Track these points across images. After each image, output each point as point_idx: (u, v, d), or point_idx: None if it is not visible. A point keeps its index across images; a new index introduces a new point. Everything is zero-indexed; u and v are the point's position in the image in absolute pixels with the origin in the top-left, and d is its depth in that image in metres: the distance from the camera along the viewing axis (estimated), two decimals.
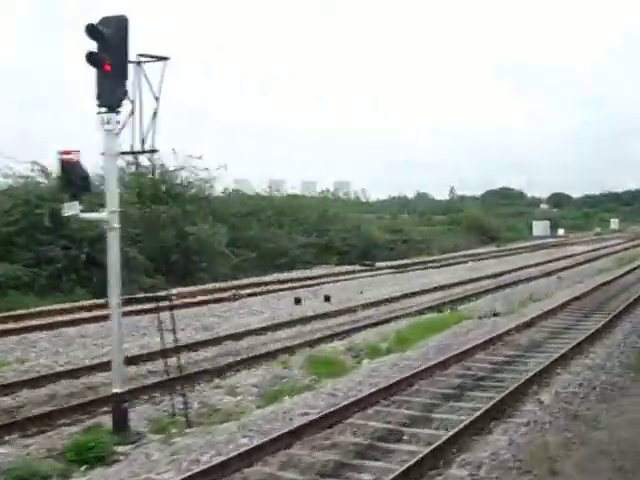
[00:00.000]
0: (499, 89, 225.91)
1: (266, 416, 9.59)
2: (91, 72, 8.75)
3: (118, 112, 8.83)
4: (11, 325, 17.55)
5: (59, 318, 18.53)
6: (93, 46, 8.66)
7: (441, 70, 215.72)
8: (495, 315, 19.66)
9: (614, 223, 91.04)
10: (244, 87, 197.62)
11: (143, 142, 8.91)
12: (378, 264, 37.73)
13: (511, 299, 23.96)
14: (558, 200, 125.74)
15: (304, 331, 17.30)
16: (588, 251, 50.22)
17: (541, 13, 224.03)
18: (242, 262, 32.04)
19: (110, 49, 8.62)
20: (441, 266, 37.61)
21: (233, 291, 24.12)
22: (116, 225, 8.86)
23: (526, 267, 36.13)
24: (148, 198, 20.53)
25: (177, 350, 10.43)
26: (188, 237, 29.32)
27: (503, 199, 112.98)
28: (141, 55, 8.91)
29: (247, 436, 8.58)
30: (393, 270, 34.55)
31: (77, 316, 18.81)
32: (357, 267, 36.15)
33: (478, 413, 9.15)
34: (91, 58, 8.56)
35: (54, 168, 23.62)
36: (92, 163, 13.27)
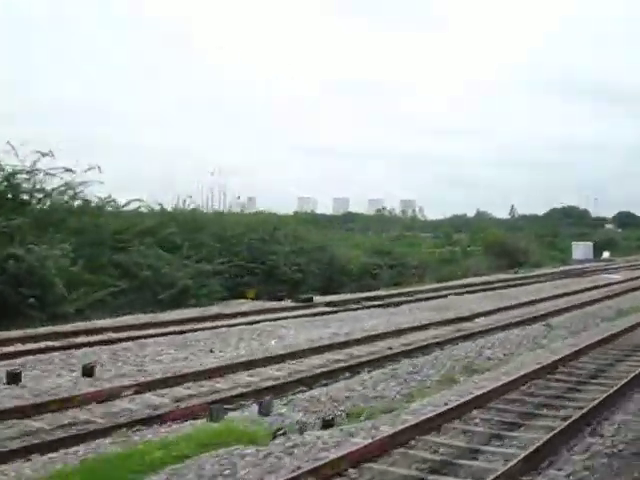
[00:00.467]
0: (561, 105, 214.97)
1: None
2: None
3: None
4: None
5: None
6: None
7: (502, 87, 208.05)
8: (328, 423, 10.12)
9: None
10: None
11: None
12: (324, 298, 28.52)
13: (428, 372, 14.55)
14: (624, 219, 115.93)
15: None
16: (624, 281, 39.91)
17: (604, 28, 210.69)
18: (109, 295, 23.32)
19: None
20: (407, 301, 28.13)
21: None
22: None
23: (518, 306, 26.47)
24: None
25: None
26: (8, 261, 20.77)
27: (567, 218, 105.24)
28: None
29: None
30: (330, 309, 25.23)
31: None
32: (288, 303, 27.02)
33: None
34: None
35: None
36: None
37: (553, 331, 20.59)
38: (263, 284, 31.39)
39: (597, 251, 72.87)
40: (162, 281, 24.58)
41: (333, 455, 8.26)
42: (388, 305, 26.76)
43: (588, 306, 26.87)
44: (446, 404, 11.14)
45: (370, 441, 8.83)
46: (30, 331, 18.56)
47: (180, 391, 12.44)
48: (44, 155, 23.19)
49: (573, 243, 68.76)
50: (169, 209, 30.81)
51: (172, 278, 24.82)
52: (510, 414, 10.85)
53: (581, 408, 10.81)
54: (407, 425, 9.54)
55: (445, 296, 30.41)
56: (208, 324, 20.06)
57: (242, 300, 27.52)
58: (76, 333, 18.09)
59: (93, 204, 25.78)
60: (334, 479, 7.78)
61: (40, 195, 24.00)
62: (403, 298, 29.13)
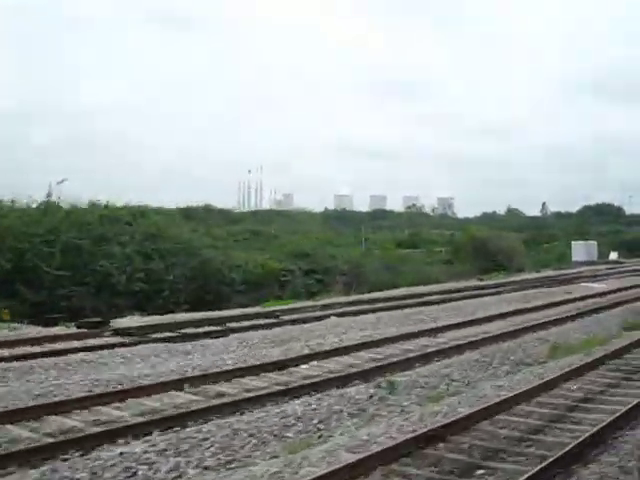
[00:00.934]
0: (591, 102, 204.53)
1: None
2: None
3: None
4: None
5: None
6: None
7: (535, 84, 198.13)
8: None
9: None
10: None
11: None
12: (133, 320, 19.98)
13: None
14: None
15: None
16: (608, 292, 30.79)
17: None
18: None
19: None
20: (251, 327, 19.37)
21: None
22: None
23: (407, 338, 17.59)
24: None
25: None
26: None
27: (599, 216, 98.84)
28: None
29: None
30: (118, 340, 16.64)
31: None
32: (67, 329, 18.43)
33: None
34: None
35: None
36: None
37: (393, 396, 11.79)
38: (93, 298, 23.00)
39: (623, 251, 64.42)
40: None
41: None
42: (215, 334, 18.04)
43: (514, 339, 17.85)
44: None
45: None
46: None
47: None
48: None
49: (573, 243, 58.92)
50: None
51: None
52: None
53: None
54: None
55: (327, 317, 21.59)
56: None
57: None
58: None
59: None
60: None
61: None
62: (248, 322, 20.29)
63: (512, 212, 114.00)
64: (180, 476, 7.98)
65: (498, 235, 49.99)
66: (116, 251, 24.15)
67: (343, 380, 12.76)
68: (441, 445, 8.45)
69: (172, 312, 22.98)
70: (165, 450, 8.60)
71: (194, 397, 11.51)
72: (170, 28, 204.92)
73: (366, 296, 28.49)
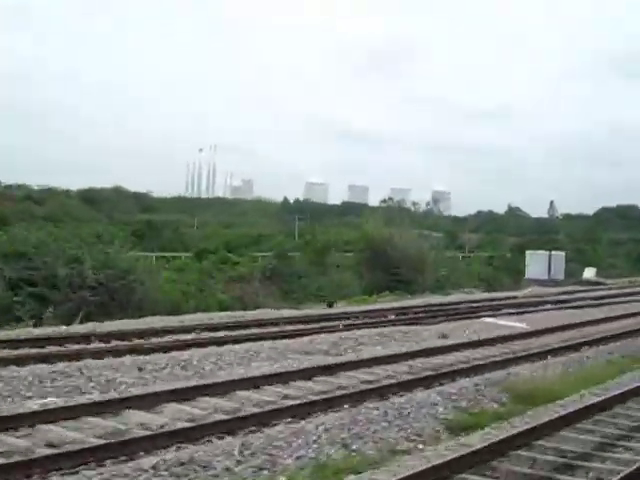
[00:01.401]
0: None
1: None
2: None
3: None
4: None
5: None
6: None
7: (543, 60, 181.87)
8: None
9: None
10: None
11: None
12: None
13: None
14: None
15: None
16: (530, 334, 17.82)
17: None
18: None
19: None
20: None
21: None
22: None
23: None
24: None
25: None
26: None
27: (621, 220, 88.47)
28: None
29: None
30: None
31: None
32: None
33: None
34: None
35: None
36: None
37: None
38: None
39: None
40: None
41: None
42: None
43: None
44: None
45: None
46: None
47: None
48: None
49: (528, 254, 44.45)
50: None
51: None
52: None
53: None
54: None
55: None
56: None
57: None
58: None
59: None
60: None
61: None
62: None
63: (513, 212, 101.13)
64: None
65: (411, 237, 36.35)
66: None
67: None
68: None
69: None
70: None
71: None
72: None
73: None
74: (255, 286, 26.67)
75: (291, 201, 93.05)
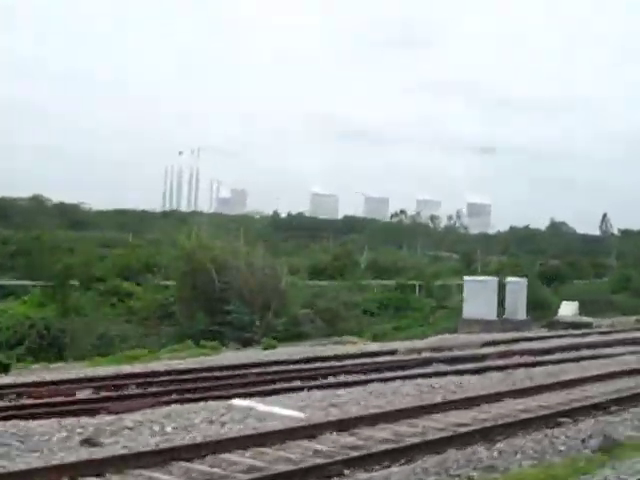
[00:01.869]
0: None
1: None
2: None
3: None
4: None
5: None
6: None
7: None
8: None
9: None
10: None
11: None
12: None
13: None
14: None
15: None
16: None
17: None
18: None
19: None
20: None
21: None
22: None
23: None
24: None
25: None
26: None
27: None
28: None
29: None
30: None
31: None
32: None
33: None
34: None
35: None
36: None
37: None
38: None
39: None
40: None
41: None
42: None
43: None
44: None
45: None
46: None
47: None
48: None
49: (466, 281, 31.95)
50: None
51: None
52: None
53: None
54: None
55: None
56: None
57: None
58: None
59: None
60: None
61: None
62: None
63: (556, 227, 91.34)
64: None
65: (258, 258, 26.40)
66: None
67: None
68: None
69: None
70: None
71: None
72: None
73: None
74: None
75: (284, 215, 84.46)
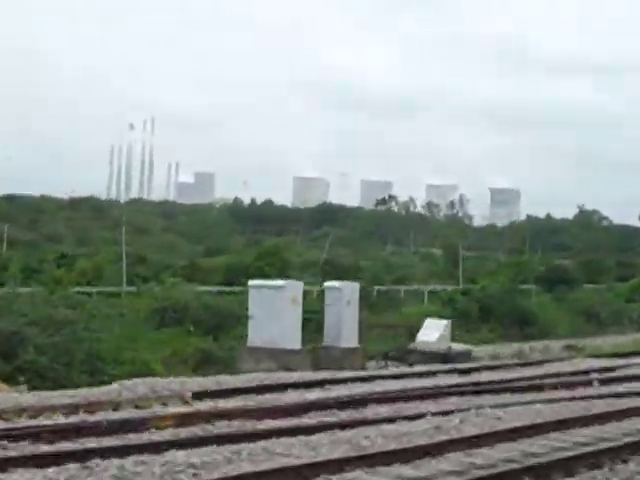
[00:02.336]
0: None
1: None
2: None
3: None
4: None
5: None
6: None
7: None
8: None
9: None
10: None
11: None
12: None
13: None
14: None
15: None
16: None
17: None
18: None
19: None
20: None
21: None
22: None
23: None
24: None
25: None
26: None
27: None
28: None
29: None
30: None
31: None
32: None
33: None
34: None
35: None
36: None
37: None
38: None
39: None
40: None
41: None
42: None
43: None
44: None
45: None
46: None
47: None
48: None
49: (251, 287, 19.83)
50: None
51: None
52: None
53: None
54: None
55: None
56: None
57: None
58: None
59: None
60: None
61: None
62: None
63: (585, 215, 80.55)
64: None
65: None
66: None
67: None
68: None
69: None
70: None
71: None
72: None
73: None
74: None
75: (247, 204, 74.93)
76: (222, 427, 10.57)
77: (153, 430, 10.09)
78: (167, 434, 9.93)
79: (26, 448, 8.70)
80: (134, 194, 75.32)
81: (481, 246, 61.44)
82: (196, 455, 8.46)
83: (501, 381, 16.79)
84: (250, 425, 10.69)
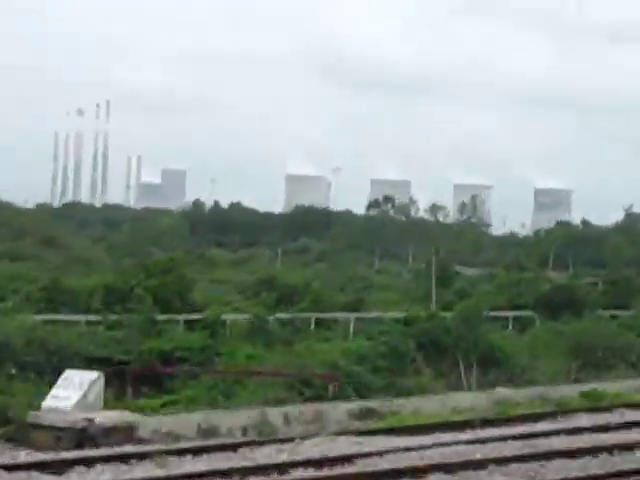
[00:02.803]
0: None
1: None
2: None
3: None
4: None
5: None
6: None
7: None
8: None
9: None
10: None
11: None
12: None
13: None
14: None
15: None
16: None
17: None
18: None
19: None
20: None
21: None
22: None
23: None
24: None
25: None
26: None
27: None
28: None
29: None
30: None
31: None
32: None
33: None
34: None
35: None
36: None
37: None
38: None
39: None
40: None
41: None
42: None
43: None
44: None
45: None
46: None
47: None
48: None
49: None
50: None
51: None
52: None
53: None
54: None
55: None
56: None
57: None
58: None
59: None
60: None
61: None
62: None
63: (632, 219, 69.52)
64: None
65: None
66: None
67: None
68: None
69: None
70: None
71: None
72: None
73: None
74: None
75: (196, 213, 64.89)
76: None
77: None
78: None
79: None
80: (84, 196, 66.51)
81: (493, 260, 50.86)
82: None
83: None
84: None
